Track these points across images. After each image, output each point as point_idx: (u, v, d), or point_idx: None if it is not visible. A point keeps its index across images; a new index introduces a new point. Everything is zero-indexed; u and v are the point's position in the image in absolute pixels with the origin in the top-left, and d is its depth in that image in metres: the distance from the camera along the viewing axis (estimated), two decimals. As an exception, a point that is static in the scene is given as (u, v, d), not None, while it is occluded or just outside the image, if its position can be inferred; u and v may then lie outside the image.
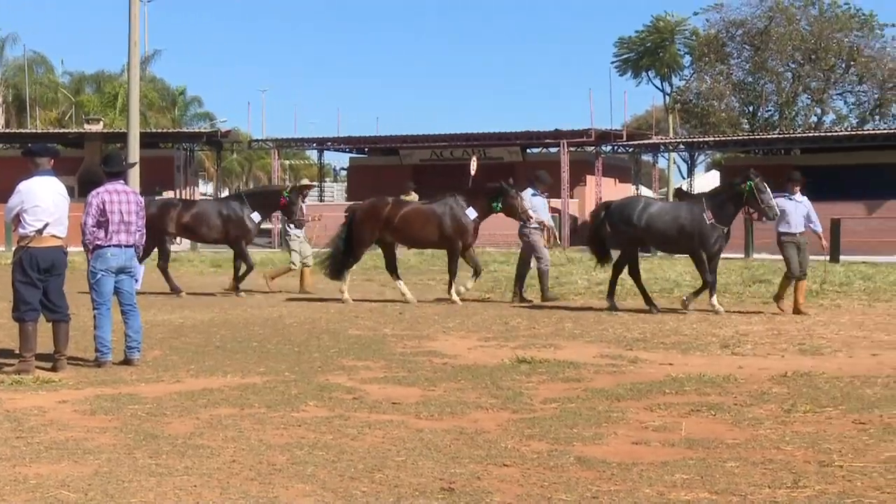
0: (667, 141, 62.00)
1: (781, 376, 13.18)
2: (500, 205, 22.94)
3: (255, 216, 25.43)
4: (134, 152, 41.68)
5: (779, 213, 20.70)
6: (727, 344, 16.41)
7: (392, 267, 23.81)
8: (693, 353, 15.58)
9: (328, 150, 67.72)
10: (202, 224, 25.68)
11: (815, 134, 54.43)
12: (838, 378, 13.06)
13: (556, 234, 24.10)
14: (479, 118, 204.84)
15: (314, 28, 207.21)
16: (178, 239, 27.91)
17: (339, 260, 23.51)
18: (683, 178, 72.18)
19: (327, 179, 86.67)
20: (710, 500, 7.83)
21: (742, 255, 40.13)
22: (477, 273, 23.25)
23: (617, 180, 60.51)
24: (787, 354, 15.39)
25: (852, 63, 66.26)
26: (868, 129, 56.78)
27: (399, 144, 61.18)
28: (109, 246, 14.15)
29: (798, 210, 21.16)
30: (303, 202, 26.36)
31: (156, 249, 25.57)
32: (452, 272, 23.15)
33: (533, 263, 23.98)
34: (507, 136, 57.63)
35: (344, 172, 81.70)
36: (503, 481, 8.33)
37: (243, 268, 25.28)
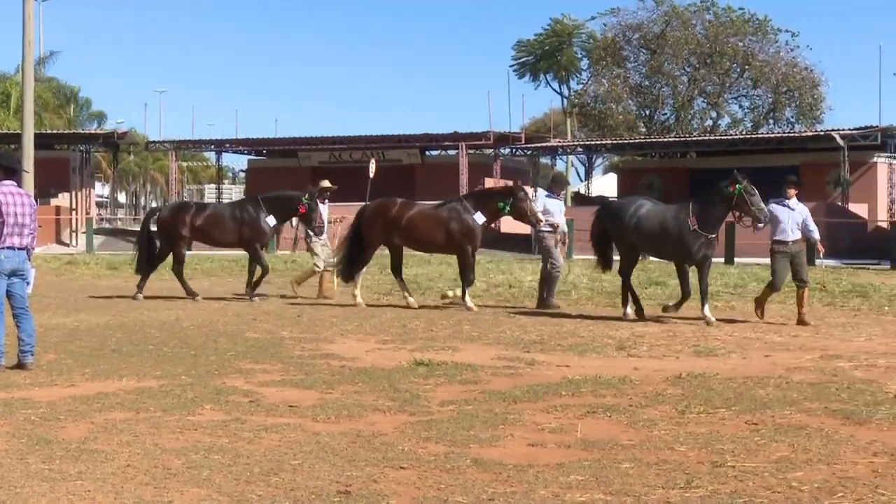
0: (565, 144, 62.40)
1: (676, 378, 13.31)
2: (508, 207, 22.15)
3: (271, 220, 24.68)
4: (28, 154, 41.17)
5: (768, 217, 19.57)
6: (623, 346, 16.53)
7: (397, 269, 23.15)
8: (590, 354, 15.68)
9: (226, 151, 67.40)
10: (216, 227, 24.95)
11: (711, 137, 55.05)
12: (732, 379, 13.22)
13: (566, 237, 23.19)
14: (378, 121, 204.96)
15: (212, 29, 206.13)
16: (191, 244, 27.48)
17: (350, 262, 23.03)
18: (581, 181, 72.62)
19: (225, 181, 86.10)
20: (604, 500, 7.89)
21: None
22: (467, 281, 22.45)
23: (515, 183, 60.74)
24: (681, 356, 15.54)
25: (747, 67, 67.08)
26: (762, 133, 57.49)
27: (298, 146, 61.01)
28: (3, 248, 13.94)
29: (792, 217, 19.89)
30: (323, 203, 25.64)
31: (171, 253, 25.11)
32: (465, 279, 22.37)
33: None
34: (405, 138, 57.70)
35: (242, 174, 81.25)
36: (400, 484, 8.34)
37: (258, 272, 24.60)
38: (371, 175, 35.42)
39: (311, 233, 25.06)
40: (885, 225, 41.87)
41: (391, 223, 22.65)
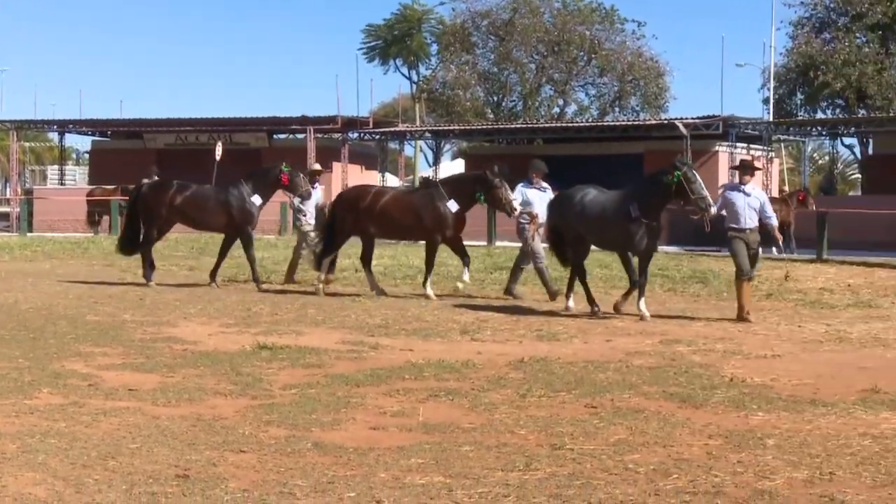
0: (413, 129, 62.43)
1: (519, 362, 13.43)
2: (483, 195, 21.18)
3: (257, 199, 23.66)
4: None
5: (712, 204, 18.24)
6: (467, 330, 16.62)
7: (367, 260, 22.33)
8: (434, 339, 15.74)
9: (70, 132, 66.28)
10: (199, 209, 23.85)
11: (558, 124, 55.47)
12: (573, 363, 13.37)
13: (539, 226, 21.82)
14: (225, 103, 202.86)
15: (55, 5, 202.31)
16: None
17: (324, 251, 22.34)
18: (430, 166, 72.74)
19: (69, 163, 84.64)
20: (443, 483, 7.95)
21: (485, 243, 40.63)
22: (466, 263, 21.57)
23: (363, 167, 60.61)
24: (524, 340, 15.67)
25: (594, 56, 67.80)
26: (608, 121, 58.08)
27: (143, 128, 60.21)
28: None
29: (749, 203, 18.48)
30: (314, 187, 24.70)
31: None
32: (428, 265, 21.62)
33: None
34: (253, 121, 57.25)
35: (86, 156, 79.99)
36: (239, 467, 8.30)
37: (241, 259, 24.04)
38: (217, 158, 35.11)
39: (302, 205, 24.37)
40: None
41: (365, 213, 21.77)
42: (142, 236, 23.90)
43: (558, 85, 69.47)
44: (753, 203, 18.52)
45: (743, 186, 18.72)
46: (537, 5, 67.39)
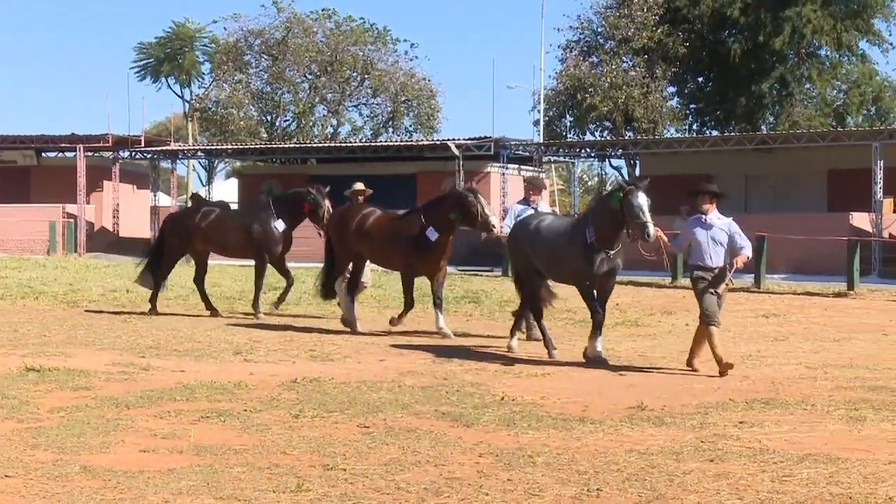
0: (185, 148, 61.75)
1: (292, 382, 13.39)
2: (459, 217, 18.52)
3: (280, 224, 22.08)
4: None
5: (651, 232, 15.12)
6: (240, 350, 16.52)
7: (354, 285, 20.10)
8: (206, 359, 15.62)
9: None
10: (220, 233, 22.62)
11: (331, 144, 55.48)
12: (346, 383, 13.40)
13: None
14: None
15: None
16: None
17: (326, 276, 20.38)
18: (203, 186, 72.04)
19: None
20: (214, 506, 7.88)
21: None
22: (437, 304, 18.90)
23: (135, 187, 59.75)
24: (298, 360, 15.66)
25: (367, 76, 67.94)
26: (382, 141, 58.31)
27: None
28: None
29: (712, 235, 15.08)
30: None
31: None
32: (406, 300, 19.26)
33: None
34: (20, 139, 55.86)
35: None
36: (4, 493, 8.11)
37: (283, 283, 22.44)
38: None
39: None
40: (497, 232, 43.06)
41: (355, 233, 19.68)
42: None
43: (332, 105, 69.42)
44: (719, 236, 15.10)
45: (704, 217, 15.27)
46: (310, 25, 67.27)
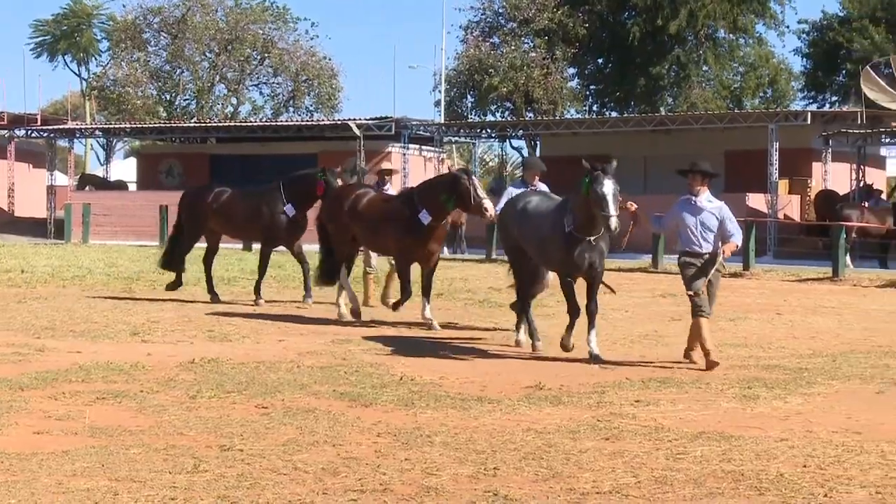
0: (83, 126, 61.13)
1: (189, 363, 13.33)
2: (452, 200, 17.37)
3: (289, 209, 20.82)
4: None
5: (614, 226, 13.91)
6: (137, 331, 16.40)
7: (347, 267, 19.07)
8: (103, 340, 15.48)
9: None
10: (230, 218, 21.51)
11: (231, 123, 55.13)
12: (244, 364, 13.37)
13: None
14: None
15: None
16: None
17: (325, 262, 19.24)
18: (101, 165, 71.26)
19: None
20: (108, 487, 7.86)
21: (157, 243, 39.92)
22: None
23: (31, 166, 59.01)
24: (196, 341, 15.59)
25: (267, 55, 67.62)
26: (282, 121, 58.05)
27: None
28: None
29: (702, 220, 14.01)
30: (385, 189, 20.51)
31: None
32: (403, 287, 18.09)
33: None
34: (-90, 117, 55.02)
35: None
36: None
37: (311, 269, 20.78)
38: None
39: None
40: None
41: (349, 214, 18.53)
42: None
43: (232, 84, 68.99)
44: (708, 220, 14.02)
45: (694, 199, 14.16)
46: (210, 3, 66.81)
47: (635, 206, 14.55)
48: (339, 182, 20.77)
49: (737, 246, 14.08)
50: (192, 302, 20.58)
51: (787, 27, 60.53)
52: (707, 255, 13.88)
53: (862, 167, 41.09)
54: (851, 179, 41.38)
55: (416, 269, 17.74)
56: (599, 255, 14.53)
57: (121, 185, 55.94)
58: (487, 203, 17.06)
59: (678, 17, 54.73)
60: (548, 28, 56.90)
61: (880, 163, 48.27)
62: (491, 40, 58.82)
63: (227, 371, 12.85)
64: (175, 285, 21.55)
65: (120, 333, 16.22)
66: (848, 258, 30.76)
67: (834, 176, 42.03)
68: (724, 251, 13.91)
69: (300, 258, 21.09)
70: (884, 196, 42.15)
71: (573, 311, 14.60)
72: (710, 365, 13.58)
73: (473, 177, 17.48)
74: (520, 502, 7.75)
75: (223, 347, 14.90)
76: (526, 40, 58.22)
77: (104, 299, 20.73)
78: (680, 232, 14.14)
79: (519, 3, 57.08)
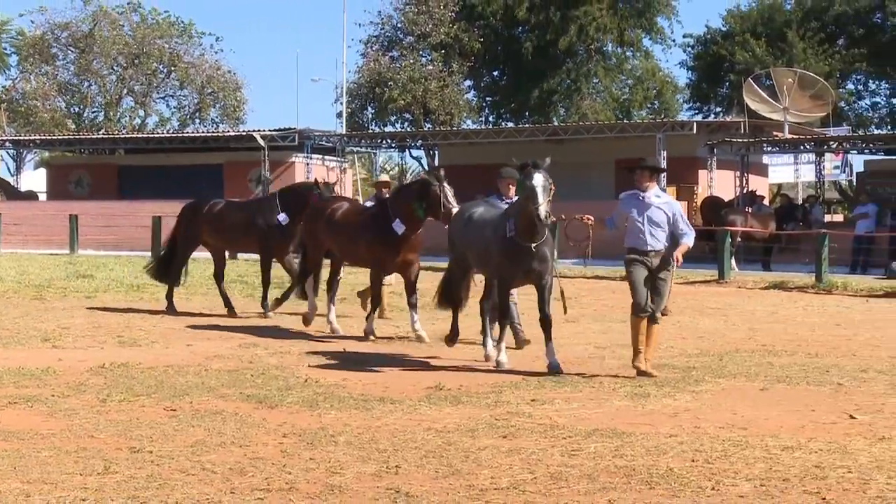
0: (-7, 138, 60.73)
1: (99, 367, 13.53)
2: (422, 208, 16.59)
3: (283, 217, 20.44)
4: None
5: (543, 214, 13.43)
6: (48, 337, 16.53)
7: (330, 284, 18.84)
8: (14, 346, 15.64)
9: None
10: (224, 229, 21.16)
11: (139, 135, 54.98)
12: (154, 368, 13.59)
13: None
14: None
15: None
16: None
17: (302, 274, 19.02)
18: (12, 175, 70.61)
19: None
20: (21, 489, 8.01)
21: (68, 251, 39.76)
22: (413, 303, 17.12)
23: (-62, 179, 58.49)
24: (106, 346, 15.76)
25: (173, 68, 67.48)
26: (189, 132, 57.89)
27: None
28: None
29: (650, 216, 13.61)
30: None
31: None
32: (371, 297, 17.91)
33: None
34: None
35: None
36: None
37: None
38: None
39: None
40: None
41: (325, 226, 18.21)
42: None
43: (139, 97, 68.80)
44: (657, 216, 13.66)
45: (642, 194, 13.81)
46: (117, 18, 66.54)
47: (591, 218, 14.46)
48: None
49: (688, 247, 13.70)
50: (102, 309, 20.64)
51: (674, 41, 62.10)
52: (654, 253, 13.50)
53: (745, 174, 41.82)
54: (735, 186, 42.04)
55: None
56: (541, 261, 13.92)
57: (31, 196, 55.52)
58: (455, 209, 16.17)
59: (569, 32, 56.60)
60: (444, 42, 57.79)
61: (763, 170, 49.09)
62: (390, 54, 59.56)
63: (136, 375, 13.06)
64: (170, 295, 21.12)
65: (31, 339, 16.35)
66: (733, 261, 31.54)
67: (719, 183, 42.71)
68: (676, 258, 13.64)
69: (292, 272, 20.86)
70: (766, 202, 43.08)
71: (505, 322, 14.62)
72: (639, 370, 13.35)
73: (445, 183, 16.50)
74: (421, 499, 7.96)
75: (133, 352, 15.10)
76: (424, 54, 59.08)
77: (15, 306, 20.75)
78: (628, 228, 13.72)
79: (417, 19, 57.91)
